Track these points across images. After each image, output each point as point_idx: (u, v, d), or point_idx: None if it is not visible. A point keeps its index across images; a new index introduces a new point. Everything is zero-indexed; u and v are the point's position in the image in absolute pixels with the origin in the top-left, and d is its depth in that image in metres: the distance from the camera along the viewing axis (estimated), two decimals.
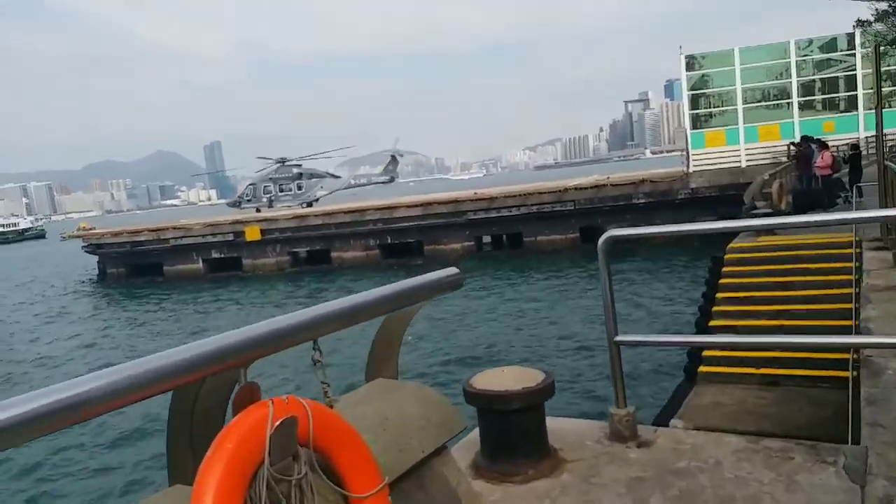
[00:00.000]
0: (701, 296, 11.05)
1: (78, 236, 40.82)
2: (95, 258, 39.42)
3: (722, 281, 9.77)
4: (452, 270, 2.54)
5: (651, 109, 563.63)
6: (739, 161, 29.00)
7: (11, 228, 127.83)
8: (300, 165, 46.40)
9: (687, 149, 29.77)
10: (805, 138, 20.51)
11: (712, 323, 8.97)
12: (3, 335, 24.89)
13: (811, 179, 17.42)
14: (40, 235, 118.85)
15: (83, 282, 39.61)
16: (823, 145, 17.60)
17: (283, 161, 46.55)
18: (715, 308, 9.22)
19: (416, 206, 32.57)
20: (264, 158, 47.44)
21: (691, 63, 29.97)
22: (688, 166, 29.49)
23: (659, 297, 18.94)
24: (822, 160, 16.66)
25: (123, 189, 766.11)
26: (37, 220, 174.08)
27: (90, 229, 43.21)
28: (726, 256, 10.39)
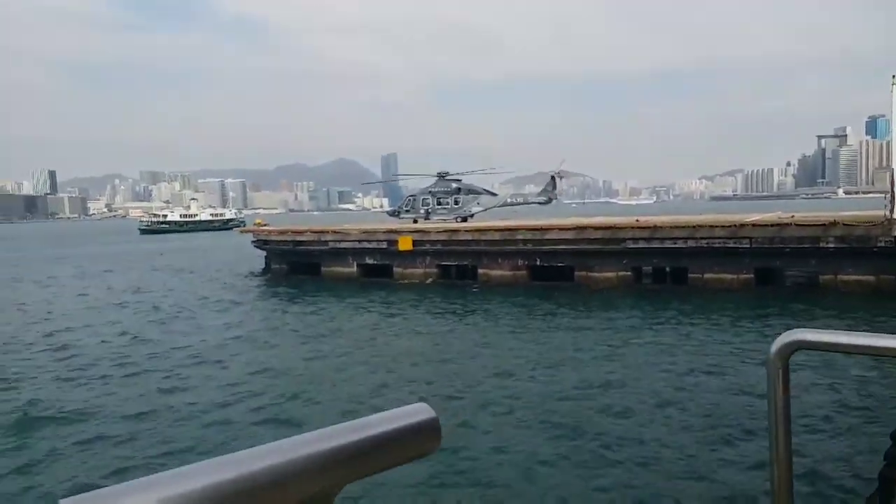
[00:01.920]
0: None
1: (250, 230, 43.54)
2: (263, 253, 41.84)
3: None
4: (422, 410, 1.29)
5: (848, 146, 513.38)
6: None
7: (218, 218, 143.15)
8: (459, 181, 46.37)
9: (892, 191, 25.69)
10: None
11: None
12: (167, 314, 26.69)
13: None
14: (241, 225, 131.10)
15: (249, 274, 42.08)
16: None
17: (443, 175, 46.81)
18: None
19: (570, 229, 30.99)
20: (428, 175, 48.11)
21: None
22: (892, 210, 25.42)
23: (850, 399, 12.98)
24: None
25: (306, 191, 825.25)
26: (239, 211, 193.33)
27: (264, 225, 45.97)
28: None
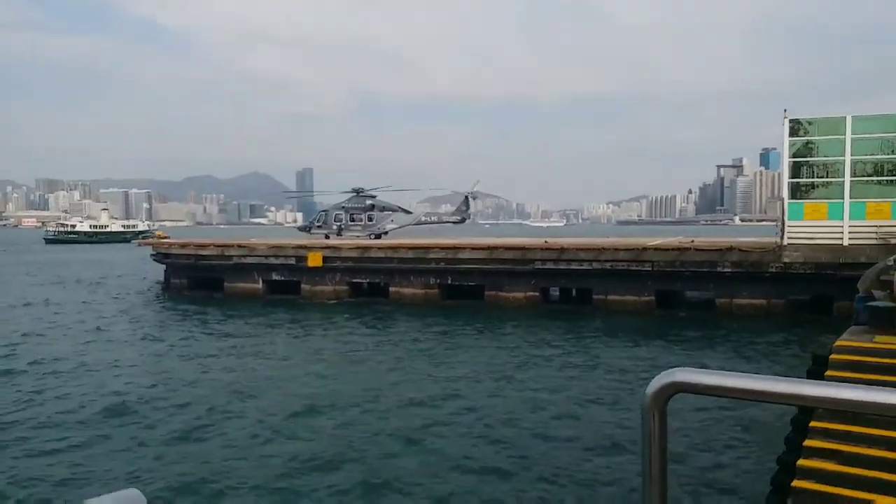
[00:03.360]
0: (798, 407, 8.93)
1: (149, 243, 41.42)
2: (163, 267, 39.83)
3: None
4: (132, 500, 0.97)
5: (745, 176, 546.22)
6: (841, 239, 26.17)
7: (130, 230, 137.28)
8: (374, 197, 45.92)
9: (782, 219, 27.15)
10: None
11: (808, 442, 6.99)
12: (54, 329, 24.82)
13: None
14: (150, 236, 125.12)
15: (147, 289, 39.99)
16: None
17: (358, 191, 46.24)
18: (813, 423, 7.22)
19: (482, 248, 31.10)
20: (346, 193, 47.45)
21: (796, 128, 27.50)
22: (782, 238, 26.85)
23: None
24: None
25: (216, 203, 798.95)
26: (153, 223, 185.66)
27: (164, 238, 43.87)
28: (832, 357, 8.32)
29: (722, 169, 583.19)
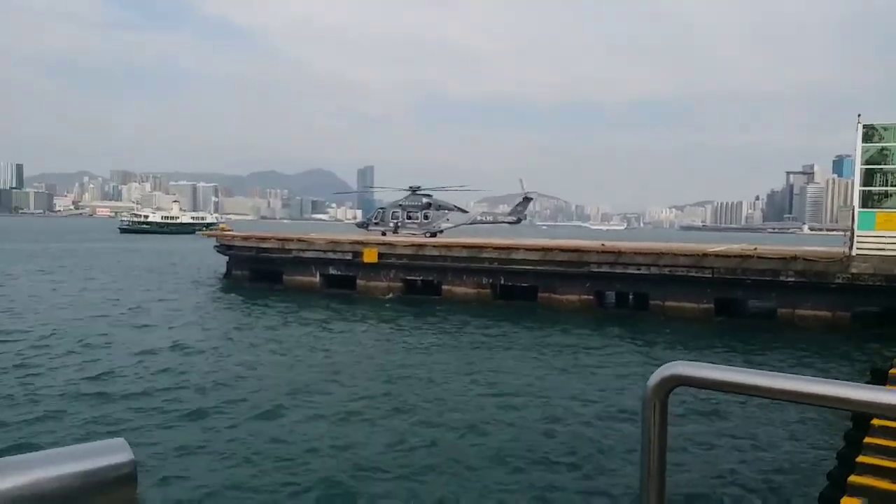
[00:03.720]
0: (850, 418, 8.44)
1: (213, 234, 42.75)
2: (225, 258, 41.03)
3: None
4: (116, 449, 0.97)
5: (815, 184, 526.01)
6: None
7: (199, 221, 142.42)
8: (430, 196, 46.17)
9: (852, 228, 26.09)
10: None
11: (862, 458, 6.73)
12: (121, 313, 25.98)
13: None
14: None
15: (210, 278, 41.30)
16: None
17: (414, 189, 46.59)
18: (868, 439, 6.94)
19: (536, 249, 30.92)
20: (401, 189, 47.95)
21: (870, 134, 26.38)
22: (850, 248, 25.80)
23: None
24: None
25: (280, 198, 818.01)
26: (221, 216, 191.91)
27: (227, 230, 45.24)
28: (892, 371, 7.95)
29: (792, 175, 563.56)
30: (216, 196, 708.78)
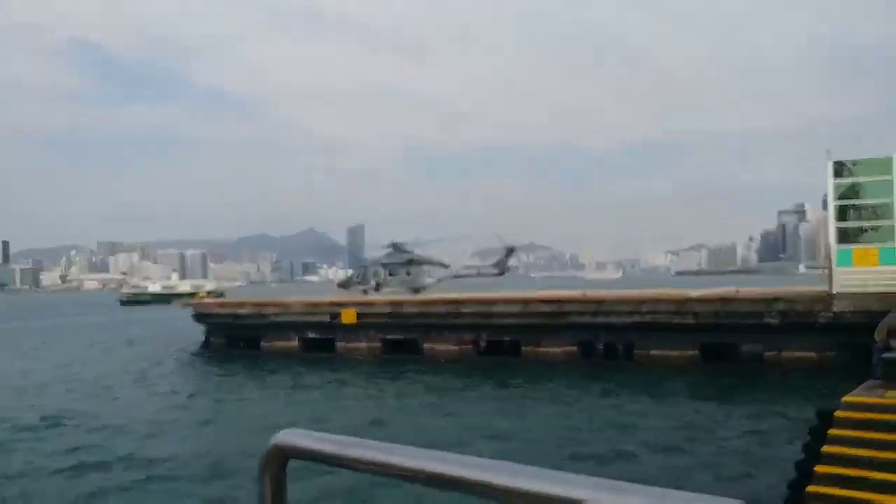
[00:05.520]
0: (794, 466, 7.86)
1: (190, 304, 42.16)
2: (203, 327, 40.24)
3: (826, 449, 6.88)
4: None
5: (807, 222, 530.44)
6: (895, 285, 24.54)
7: (199, 289, 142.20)
8: (412, 252, 45.88)
9: (830, 266, 25.74)
10: None
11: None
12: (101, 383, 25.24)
13: None
14: (220, 296, 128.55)
15: (187, 347, 40.60)
16: None
17: (396, 246, 46.32)
18: (810, 488, 6.37)
19: (517, 302, 30.41)
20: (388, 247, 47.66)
21: (840, 170, 26.32)
22: (830, 286, 25.38)
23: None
24: None
25: (269, 262, 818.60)
26: (219, 283, 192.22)
27: (205, 298, 44.67)
28: (837, 413, 7.44)
29: (783, 215, 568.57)
30: (203, 264, 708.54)
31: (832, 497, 6.42)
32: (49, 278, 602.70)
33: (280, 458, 1.45)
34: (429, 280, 44.33)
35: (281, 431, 1.48)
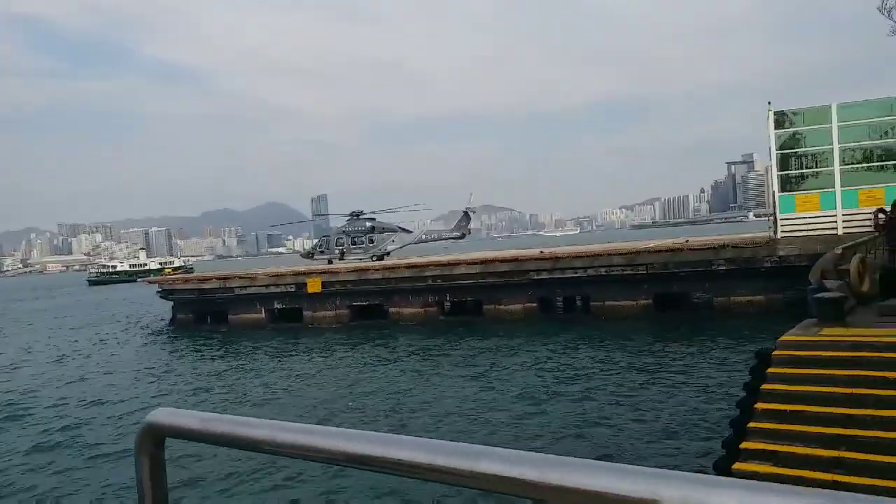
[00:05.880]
0: (736, 404, 8.59)
1: (155, 281, 41.93)
2: (170, 303, 40.20)
3: (765, 387, 7.59)
4: None
5: (756, 171, 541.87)
6: (836, 228, 25.90)
7: (168, 265, 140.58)
8: (373, 219, 46.14)
9: (775, 213, 26.97)
10: None
11: (745, 444, 6.86)
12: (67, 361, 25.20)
13: None
14: (189, 271, 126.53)
15: (154, 323, 40.51)
16: None
17: (356, 214, 46.48)
18: (752, 424, 7.09)
19: (477, 263, 31.11)
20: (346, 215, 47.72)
21: (781, 120, 27.42)
22: (775, 231, 26.63)
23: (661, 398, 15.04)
24: None
25: (235, 236, 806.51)
26: (187, 260, 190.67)
27: (170, 274, 44.35)
28: (775, 353, 8.14)
29: (733, 166, 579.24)
30: (168, 240, 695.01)
31: (770, 431, 7.00)
32: (9, 263, 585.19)
33: (155, 438, 1.40)
34: (392, 246, 44.73)
35: (155, 409, 1.43)
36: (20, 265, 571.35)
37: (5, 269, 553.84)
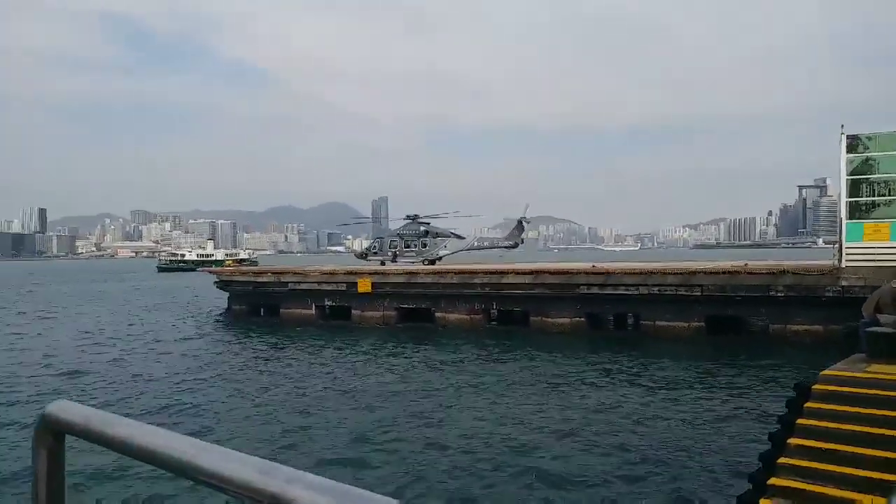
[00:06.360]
0: (768, 437, 8.22)
1: (214, 272, 43.22)
2: (227, 294, 41.34)
3: (801, 421, 7.24)
4: None
5: (828, 196, 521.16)
6: None
7: (233, 257, 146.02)
8: (428, 223, 46.40)
9: (840, 240, 25.83)
10: None
11: (773, 480, 6.56)
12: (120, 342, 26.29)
13: None
14: (254, 263, 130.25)
15: (210, 312, 41.72)
16: None
17: (412, 217, 46.85)
18: (782, 459, 6.78)
19: (526, 273, 30.87)
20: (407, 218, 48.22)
21: (854, 144, 26.21)
22: (840, 260, 25.51)
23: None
24: None
25: (296, 232, 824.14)
26: (252, 252, 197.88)
27: (229, 266, 45.62)
28: (814, 387, 7.75)
29: (804, 189, 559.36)
30: (233, 233, 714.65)
31: (801, 469, 6.70)
32: (84, 246, 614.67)
33: (53, 433, 1.32)
34: (444, 251, 44.90)
35: (52, 402, 1.34)
36: (94, 248, 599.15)
37: (79, 251, 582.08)
